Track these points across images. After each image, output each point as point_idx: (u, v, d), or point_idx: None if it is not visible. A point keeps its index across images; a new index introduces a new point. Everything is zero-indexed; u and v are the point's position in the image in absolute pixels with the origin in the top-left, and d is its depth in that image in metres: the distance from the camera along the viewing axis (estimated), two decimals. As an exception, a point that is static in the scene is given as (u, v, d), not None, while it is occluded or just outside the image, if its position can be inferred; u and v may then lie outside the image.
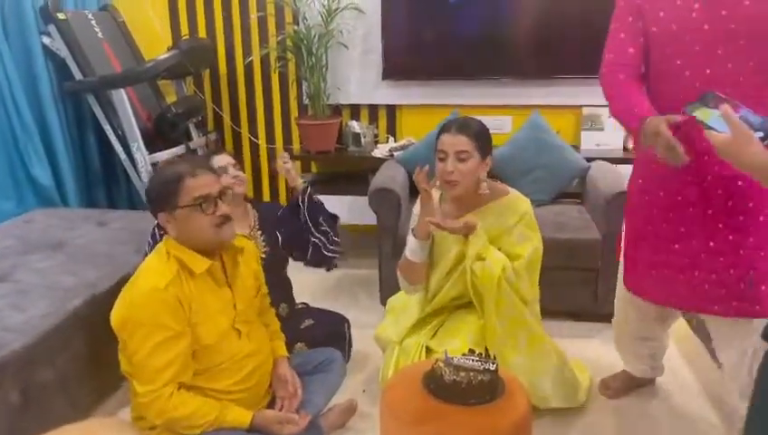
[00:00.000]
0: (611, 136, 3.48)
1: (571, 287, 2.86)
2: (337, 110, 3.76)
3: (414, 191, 2.13)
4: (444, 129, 2.00)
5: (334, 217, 2.47)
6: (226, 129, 3.99)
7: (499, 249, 2.00)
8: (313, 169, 3.93)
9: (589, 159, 3.23)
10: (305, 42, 3.44)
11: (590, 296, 2.87)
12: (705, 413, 2.25)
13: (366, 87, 3.69)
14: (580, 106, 3.49)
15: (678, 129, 1.58)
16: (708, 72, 1.69)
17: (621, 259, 2.17)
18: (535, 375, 2.05)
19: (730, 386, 1.94)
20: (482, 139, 1.99)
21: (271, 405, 1.85)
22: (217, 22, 3.81)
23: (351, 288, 3.34)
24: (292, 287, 2.49)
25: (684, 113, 1.47)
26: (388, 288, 2.81)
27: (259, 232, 2.30)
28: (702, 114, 1.35)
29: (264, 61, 3.81)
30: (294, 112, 3.88)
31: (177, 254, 1.67)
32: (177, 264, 1.66)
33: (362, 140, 3.63)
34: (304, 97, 3.70)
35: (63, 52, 3.15)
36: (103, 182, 3.58)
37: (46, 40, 3.15)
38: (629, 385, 2.37)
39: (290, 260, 2.47)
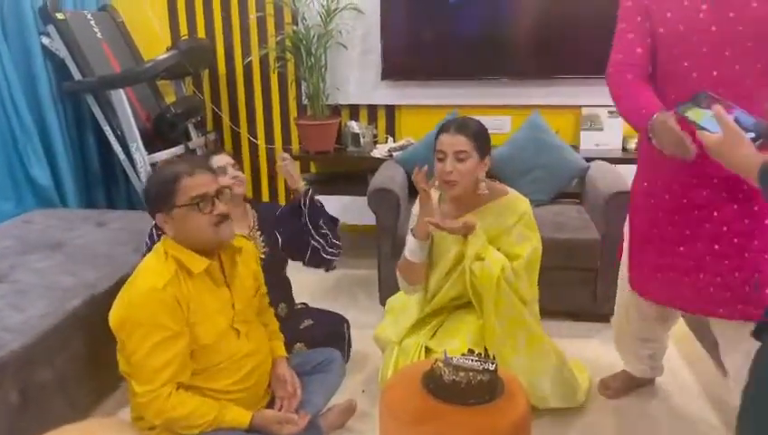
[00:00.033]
0: (610, 136, 3.48)
1: (570, 287, 2.86)
2: (336, 110, 3.76)
3: (413, 191, 2.13)
4: (442, 129, 2.00)
5: (334, 220, 2.47)
6: (225, 129, 3.99)
7: (498, 249, 2.00)
8: (312, 169, 3.93)
9: (588, 159, 3.23)
10: (304, 42, 3.44)
11: (589, 296, 2.87)
12: (705, 414, 2.25)
13: (365, 87, 3.69)
14: (580, 106, 3.49)
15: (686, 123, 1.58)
16: (715, 73, 1.68)
17: (624, 260, 2.17)
18: (534, 375, 2.05)
19: (734, 389, 1.94)
20: (480, 139, 1.98)
21: (270, 405, 1.85)
22: (216, 22, 3.81)
23: (351, 288, 3.34)
24: (291, 287, 2.49)
25: (676, 113, 1.47)
26: (387, 288, 2.81)
27: (258, 232, 2.30)
28: (694, 114, 1.35)
29: (263, 61, 3.81)
30: (293, 112, 3.88)
31: (174, 254, 1.67)
32: (175, 264, 1.66)
33: (361, 140, 3.63)
34: (303, 97, 3.70)
35: (62, 52, 3.15)
36: (102, 182, 3.58)
37: (45, 40, 3.15)
38: (629, 385, 2.37)
39: (289, 260, 2.46)
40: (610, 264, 2.80)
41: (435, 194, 2.06)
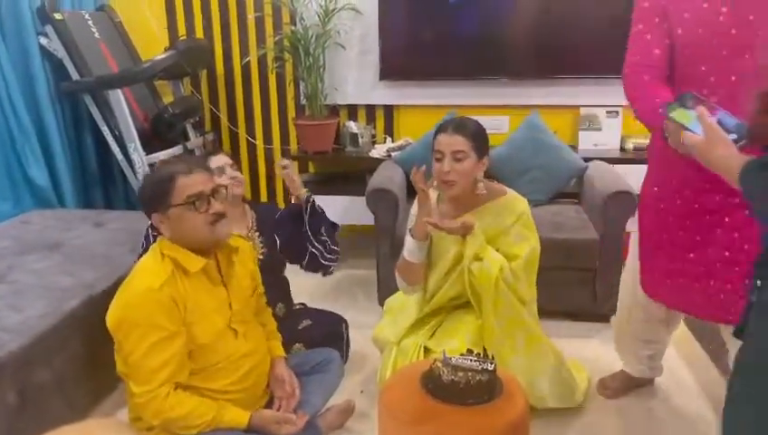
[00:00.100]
0: (609, 136, 3.48)
1: (569, 287, 2.86)
2: (334, 110, 3.76)
3: (411, 192, 2.13)
4: (440, 129, 2.00)
5: (334, 226, 2.47)
6: (224, 129, 3.99)
7: (497, 249, 2.00)
8: (311, 169, 3.93)
9: (586, 159, 3.23)
10: (302, 42, 3.44)
11: (588, 296, 2.87)
12: (705, 414, 2.26)
13: (363, 87, 3.69)
14: (578, 106, 3.49)
15: None
16: (734, 78, 1.66)
17: (630, 261, 2.16)
18: (533, 375, 2.05)
19: None
20: (478, 139, 1.98)
21: (269, 405, 1.85)
22: (215, 22, 3.81)
23: (349, 289, 3.34)
24: (289, 288, 2.49)
25: (661, 114, 1.46)
26: (386, 289, 2.81)
27: (257, 233, 2.30)
28: (679, 115, 1.35)
29: (262, 61, 3.80)
30: (292, 113, 3.88)
31: (171, 254, 1.67)
32: (171, 264, 1.66)
33: (360, 140, 3.63)
34: (302, 97, 3.70)
35: (60, 52, 3.14)
36: (100, 183, 3.58)
37: (43, 40, 3.15)
38: (628, 385, 2.37)
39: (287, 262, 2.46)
40: (609, 264, 2.80)
41: (433, 194, 2.06)
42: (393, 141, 3.72)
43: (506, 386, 1.58)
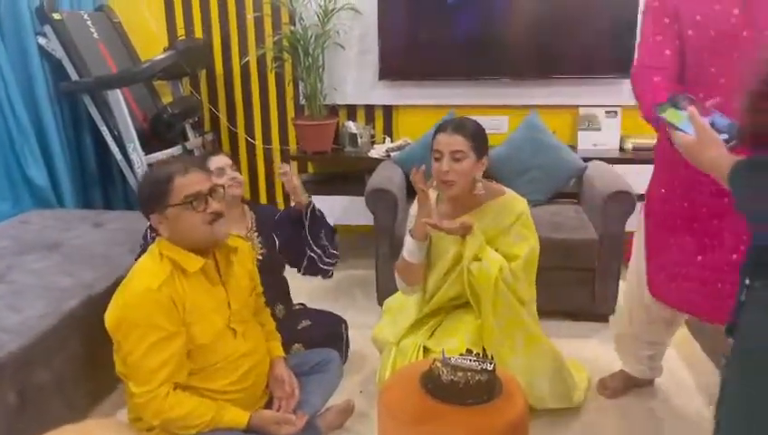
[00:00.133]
0: (608, 136, 3.48)
1: (568, 287, 2.86)
2: (333, 110, 3.76)
3: (411, 192, 2.13)
4: (440, 129, 2.00)
5: (334, 230, 2.47)
6: (223, 129, 3.99)
7: (496, 250, 2.00)
8: (310, 169, 3.93)
9: (585, 159, 3.24)
10: (302, 42, 3.43)
11: (587, 296, 2.87)
12: (705, 414, 2.25)
13: (362, 87, 3.69)
14: (577, 106, 3.50)
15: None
16: None
17: (633, 262, 2.15)
18: (532, 375, 2.05)
19: None
20: (478, 139, 1.98)
21: (268, 406, 1.85)
22: (214, 22, 3.81)
23: (349, 289, 3.34)
24: (288, 288, 2.48)
25: (654, 113, 1.46)
26: (385, 289, 2.81)
27: (256, 234, 2.30)
28: (670, 115, 1.35)
29: (261, 61, 3.80)
30: (291, 113, 3.87)
31: (169, 254, 1.67)
32: (170, 264, 1.66)
33: (359, 140, 3.63)
34: (301, 97, 3.70)
35: (59, 52, 3.14)
36: (99, 183, 3.58)
37: (42, 40, 3.15)
38: (627, 385, 2.37)
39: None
40: (608, 264, 2.80)
41: (433, 194, 2.06)
42: (392, 141, 3.72)
43: (506, 386, 1.58)
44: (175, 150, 3.42)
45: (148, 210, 1.69)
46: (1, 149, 3.00)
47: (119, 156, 3.28)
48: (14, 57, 3.05)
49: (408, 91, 3.65)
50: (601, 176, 3.00)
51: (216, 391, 1.71)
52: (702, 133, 1.23)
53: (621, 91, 3.39)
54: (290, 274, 2.48)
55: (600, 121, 3.48)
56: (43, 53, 3.17)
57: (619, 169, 3.08)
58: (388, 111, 3.77)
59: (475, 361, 1.54)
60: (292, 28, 3.54)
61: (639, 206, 2.63)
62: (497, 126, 3.52)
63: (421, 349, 2.05)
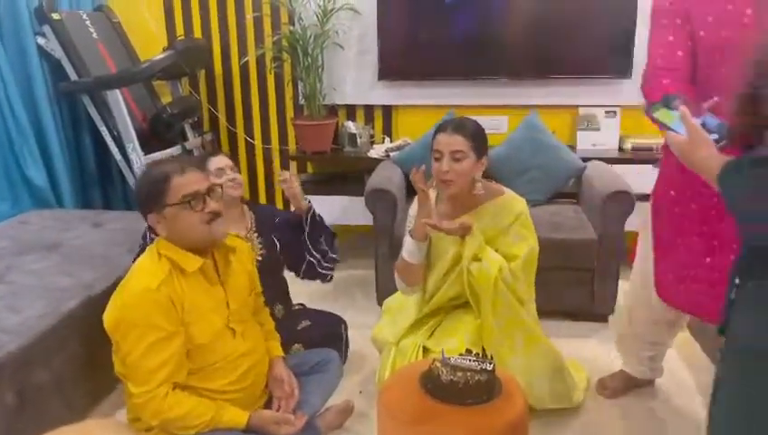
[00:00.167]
0: (607, 136, 3.48)
1: (568, 287, 2.86)
2: (333, 110, 3.76)
3: (410, 192, 2.13)
4: (440, 128, 2.00)
5: (334, 235, 2.47)
6: (222, 129, 3.99)
7: (496, 250, 2.00)
8: (309, 169, 3.93)
9: (585, 159, 3.24)
10: (301, 42, 3.43)
11: (586, 296, 2.87)
12: (705, 414, 2.25)
13: (362, 87, 3.69)
14: (577, 106, 3.50)
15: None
16: None
17: (637, 263, 2.14)
18: (532, 375, 2.05)
19: None
20: (477, 139, 1.99)
21: (267, 406, 1.85)
22: (213, 22, 3.80)
23: (348, 289, 3.34)
24: (288, 289, 2.48)
25: (647, 113, 1.46)
26: (384, 289, 2.81)
27: (255, 234, 2.29)
28: (662, 115, 1.36)
29: (260, 61, 3.80)
30: (290, 113, 3.87)
31: (168, 254, 1.66)
32: (168, 264, 1.65)
33: (358, 140, 3.63)
34: (300, 97, 3.70)
35: (58, 52, 3.14)
36: (99, 183, 3.58)
37: (41, 41, 3.15)
38: (627, 385, 2.37)
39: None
40: (607, 264, 2.80)
41: (433, 194, 2.06)
42: (392, 141, 3.72)
43: (505, 386, 1.58)
44: (174, 150, 3.41)
45: (146, 210, 1.69)
46: (0, 149, 2.99)
47: (118, 156, 3.28)
48: (13, 57, 3.05)
49: (407, 92, 3.65)
50: (600, 176, 3.00)
51: (215, 391, 1.71)
52: (693, 133, 1.23)
53: (621, 92, 3.39)
54: (289, 274, 2.48)
55: (600, 121, 3.48)
56: (43, 53, 3.17)
57: (619, 169, 3.08)
58: (387, 111, 3.77)
59: (474, 361, 1.53)
60: (292, 28, 3.54)
61: (639, 206, 2.63)
62: (497, 126, 3.52)
63: (421, 349, 2.05)
